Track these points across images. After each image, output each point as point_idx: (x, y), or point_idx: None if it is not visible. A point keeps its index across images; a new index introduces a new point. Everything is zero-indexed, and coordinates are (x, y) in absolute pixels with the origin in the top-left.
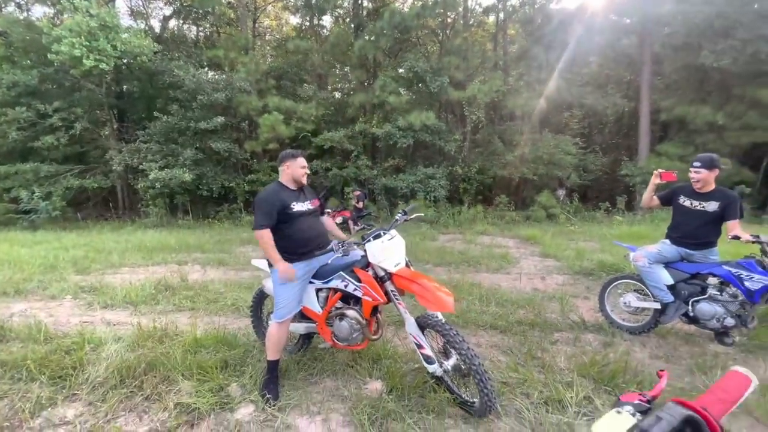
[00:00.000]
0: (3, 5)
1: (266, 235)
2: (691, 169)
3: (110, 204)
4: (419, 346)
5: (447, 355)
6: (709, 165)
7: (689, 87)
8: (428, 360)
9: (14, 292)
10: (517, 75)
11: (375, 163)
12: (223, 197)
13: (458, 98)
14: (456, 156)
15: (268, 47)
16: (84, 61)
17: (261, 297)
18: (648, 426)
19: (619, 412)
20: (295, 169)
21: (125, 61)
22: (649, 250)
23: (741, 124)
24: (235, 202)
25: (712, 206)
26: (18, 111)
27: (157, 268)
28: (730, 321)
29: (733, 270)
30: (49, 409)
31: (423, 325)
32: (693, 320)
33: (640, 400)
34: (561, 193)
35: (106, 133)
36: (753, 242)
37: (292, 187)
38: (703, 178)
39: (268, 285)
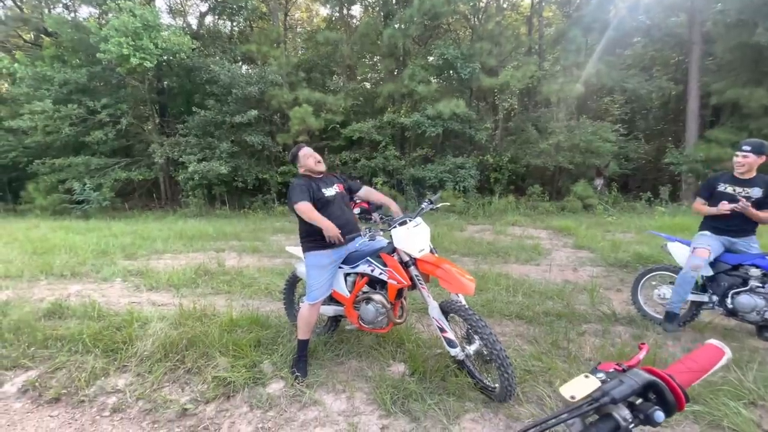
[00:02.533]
0: (51, 6)
1: (306, 206)
2: (738, 153)
3: (154, 195)
4: (442, 330)
5: (470, 341)
6: (759, 150)
7: (743, 68)
8: (450, 344)
9: (70, 274)
10: (552, 59)
11: (403, 154)
12: (258, 188)
13: (490, 85)
14: (487, 145)
15: (298, 40)
16: (131, 59)
17: (294, 281)
18: (609, 388)
19: (587, 377)
20: (306, 162)
21: (166, 58)
22: (704, 256)
23: None
24: (268, 193)
25: (756, 192)
26: (70, 108)
27: (197, 254)
28: None
29: None
30: (103, 378)
31: (446, 310)
32: (732, 313)
33: (615, 368)
34: (599, 182)
35: (149, 127)
36: None
37: (316, 176)
38: (749, 162)
39: (301, 269)
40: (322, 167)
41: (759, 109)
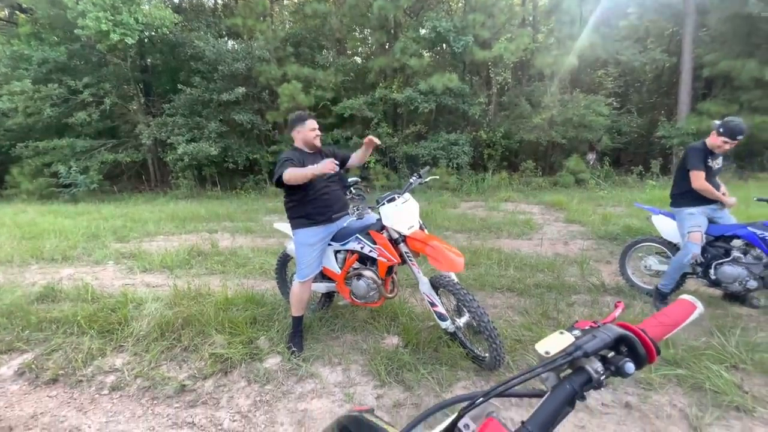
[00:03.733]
0: None
1: (293, 169)
2: (732, 141)
3: (143, 177)
4: (432, 305)
5: (460, 313)
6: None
7: (735, 39)
8: (441, 317)
9: (62, 258)
10: (546, 31)
11: (396, 131)
12: (249, 169)
13: (483, 59)
14: (480, 120)
15: (285, 12)
16: (110, 35)
17: (285, 259)
18: (582, 342)
19: (562, 333)
20: (305, 133)
21: (147, 33)
22: (699, 241)
23: None
24: (260, 174)
25: (721, 161)
26: (51, 88)
27: (190, 236)
28: (752, 283)
29: (758, 231)
30: (100, 358)
31: (436, 285)
32: (715, 283)
33: (591, 326)
34: (591, 157)
35: (134, 107)
36: None
37: (309, 150)
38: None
39: (291, 247)
40: (319, 144)
41: (750, 81)
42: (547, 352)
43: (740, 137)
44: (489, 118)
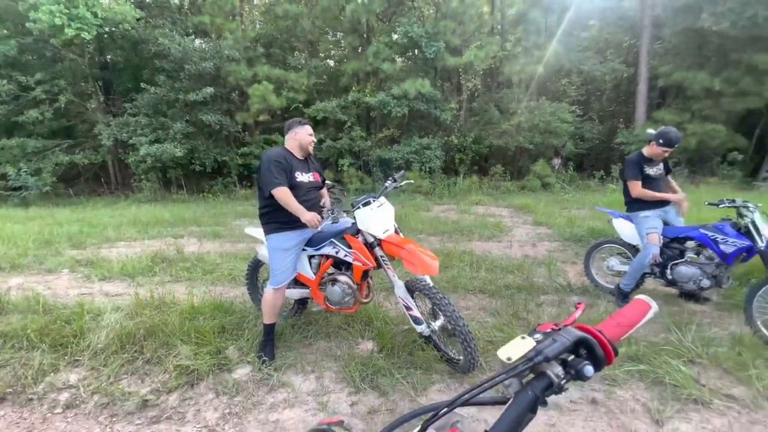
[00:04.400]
0: None
1: (285, 192)
2: (669, 149)
3: (102, 179)
4: (408, 308)
5: (435, 317)
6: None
7: (688, 52)
8: (416, 321)
9: (10, 267)
10: (514, 40)
11: (369, 134)
12: (217, 171)
13: (454, 65)
14: (452, 125)
15: (256, 12)
16: (65, 29)
17: (256, 265)
18: (543, 347)
19: (523, 338)
20: (303, 137)
21: (107, 29)
22: (657, 242)
23: (736, 90)
24: (229, 176)
25: (661, 168)
26: None
27: (153, 241)
28: (705, 282)
29: (710, 233)
30: (52, 374)
31: (412, 289)
32: (672, 283)
33: (553, 329)
34: (557, 162)
35: (93, 106)
36: (728, 206)
37: (299, 155)
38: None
39: (263, 253)
40: (312, 151)
41: (701, 91)
42: (509, 359)
43: (677, 145)
44: (460, 124)
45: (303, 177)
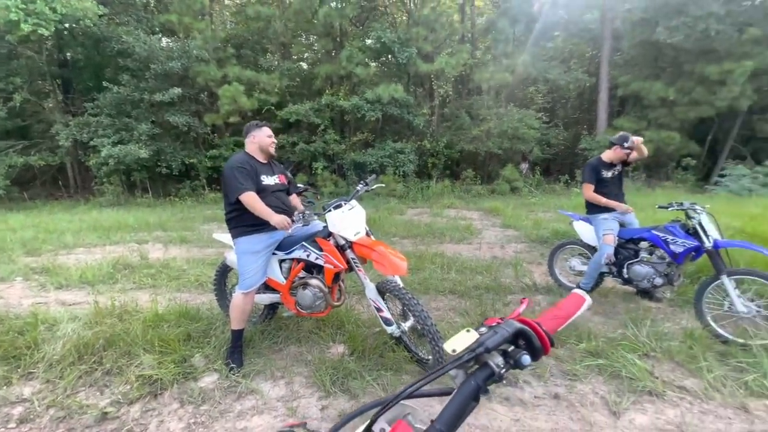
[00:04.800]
0: None
1: (252, 196)
2: (631, 151)
3: (60, 182)
4: (378, 310)
5: (405, 318)
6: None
7: (645, 63)
8: (387, 322)
9: None
10: (484, 48)
11: (343, 138)
12: (184, 174)
13: (426, 71)
14: (424, 130)
15: (226, 13)
16: (21, 25)
17: (224, 270)
18: (485, 339)
19: (468, 331)
20: (262, 139)
21: (67, 25)
22: (612, 243)
23: (689, 100)
24: (197, 179)
25: (618, 168)
26: None
27: (115, 247)
28: (658, 280)
29: (661, 234)
30: (5, 388)
31: (383, 290)
32: (628, 281)
33: (498, 322)
34: (524, 166)
35: (50, 105)
36: (677, 208)
37: (261, 159)
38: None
39: (231, 257)
40: (274, 153)
41: (657, 100)
42: (454, 350)
43: (631, 145)
44: (432, 129)
45: (269, 180)
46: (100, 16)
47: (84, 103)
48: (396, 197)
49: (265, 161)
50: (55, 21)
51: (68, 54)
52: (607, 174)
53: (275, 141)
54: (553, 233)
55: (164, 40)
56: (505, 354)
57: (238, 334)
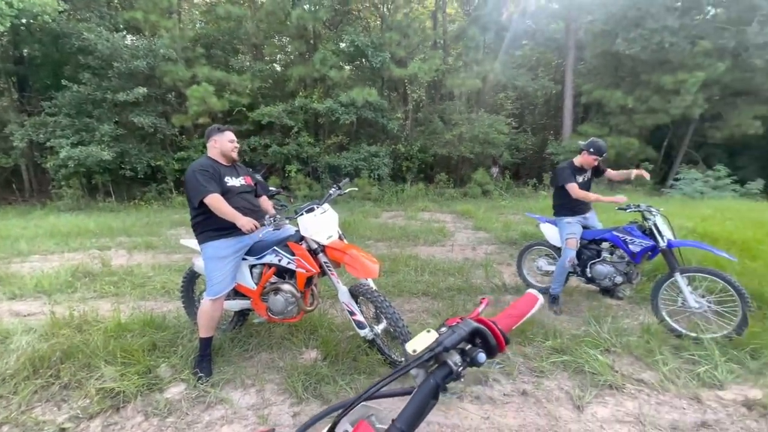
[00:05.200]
0: None
1: (217, 198)
2: (600, 158)
3: (14, 186)
4: (351, 313)
5: (379, 321)
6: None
7: (606, 72)
8: (360, 325)
9: None
10: (455, 55)
11: (318, 141)
12: (151, 177)
13: (400, 76)
14: (399, 134)
15: (196, 12)
16: None
17: (192, 276)
18: (443, 338)
19: (429, 331)
20: (223, 143)
21: (24, 21)
22: (575, 247)
23: (647, 108)
24: (164, 182)
25: (588, 175)
26: None
27: (75, 254)
28: (619, 279)
29: (620, 235)
30: None
31: (356, 294)
32: (591, 280)
33: (458, 322)
34: (495, 170)
35: (4, 104)
36: (634, 210)
37: (224, 162)
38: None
39: (199, 263)
40: (236, 157)
41: (617, 108)
42: (414, 351)
43: (605, 154)
44: (406, 133)
45: (233, 182)
46: (59, 12)
47: (41, 102)
48: (371, 200)
49: (229, 164)
50: (11, 16)
51: (25, 50)
52: (578, 179)
53: (237, 146)
54: (522, 235)
55: (129, 37)
56: (463, 352)
57: (206, 342)
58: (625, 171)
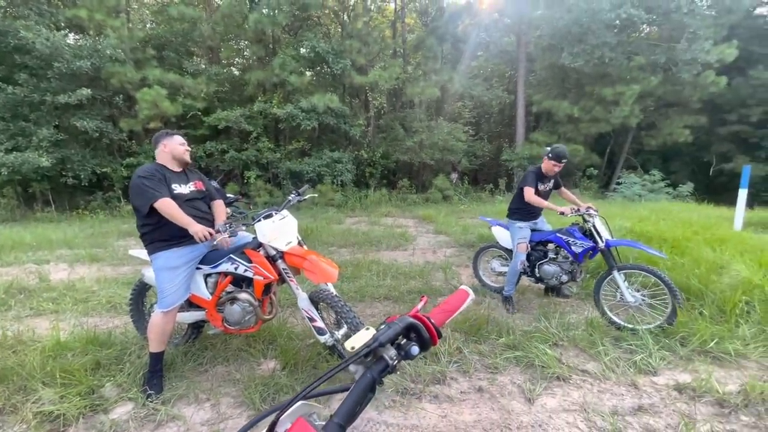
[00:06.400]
0: None
1: (168, 203)
2: (559, 164)
3: None
4: (311, 320)
5: (339, 326)
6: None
7: (554, 84)
8: (320, 331)
9: None
10: (415, 64)
11: (278, 146)
12: (96, 185)
13: (361, 83)
14: (361, 141)
15: (146, 11)
16: None
17: (142, 289)
18: (379, 334)
19: (367, 329)
20: (174, 147)
21: None
22: (525, 251)
23: (590, 117)
24: (111, 190)
25: (551, 184)
26: None
27: (9, 269)
28: (564, 278)
29: (563, 237)
30: None
31: (316, 300)
32: (539, 280)
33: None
34: (454, 176)
35: None
36: (574, 214)
37: (175, 168)
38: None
39: (149, 274)
40: (189, 159)
41: (564, 117)
42: (353, 348)
43: (564, 160)
44: (369, 139)
45: (182, 189)
46: None
47: None
48: (334, 206)
49: (179, 170)
50: None
51: None
52: (542, 186)
53: (189, 148)
54: (479, 237)
55: (72, 36)
56: (399, 347)
57: (157, 357)
58: (576, 199)
